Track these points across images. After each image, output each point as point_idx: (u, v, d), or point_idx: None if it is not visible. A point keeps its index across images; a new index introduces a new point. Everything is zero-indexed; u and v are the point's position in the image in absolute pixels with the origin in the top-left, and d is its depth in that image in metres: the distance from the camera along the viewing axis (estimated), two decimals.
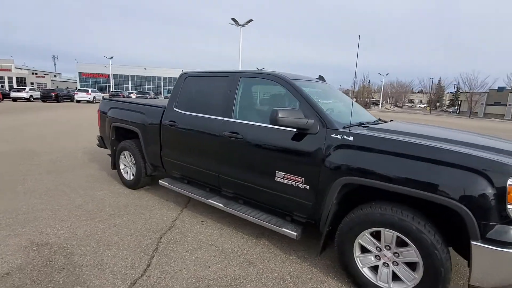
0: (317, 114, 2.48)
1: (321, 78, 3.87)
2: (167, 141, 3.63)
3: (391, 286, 2.15)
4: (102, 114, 4.71)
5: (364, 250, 2.27)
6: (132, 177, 4.32)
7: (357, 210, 2.24)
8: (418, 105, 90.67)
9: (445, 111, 66.85)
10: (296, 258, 2.74)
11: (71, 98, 30.58)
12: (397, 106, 74.33)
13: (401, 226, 2.01)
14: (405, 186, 1.99)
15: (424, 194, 1.92)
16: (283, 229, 2.63)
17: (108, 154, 4.99)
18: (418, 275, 2.02)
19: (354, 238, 2.25)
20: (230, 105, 3.06)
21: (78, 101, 29.12)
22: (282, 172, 2.59)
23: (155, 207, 3.76)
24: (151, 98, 28.37)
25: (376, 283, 2.20)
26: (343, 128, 2.43)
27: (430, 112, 57.69)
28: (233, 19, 20.16)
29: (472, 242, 1.79)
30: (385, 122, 3.24)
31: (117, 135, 4.51)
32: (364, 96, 66.17)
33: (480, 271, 1.81)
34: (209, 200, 3.20)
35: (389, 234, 2.10)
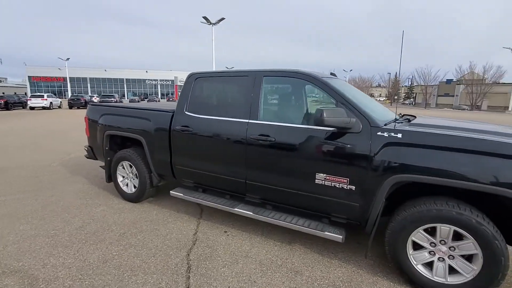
0: (358, 112, 2.40)
1: (333, 75, 3.82)
2: (180, 148, 3.33)
3: (448, 279, 2.15)
4: (92, 122, 4.21)
5: (417, 247, 2.25)
6: (134, 189, 3.92)
7: (409, 208, 2.21)
8: (378, 99, 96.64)
9: (402, 103, 71.96)
10: (338, 261, 2.66)
11: (23, 105, 27.58)
12: None
13: (460, 220, 2.01)
14: (463, 180, 1.99)
15: (485, 187, 1.93)
16: (327, 233, 2.52)
17: (101, 166, 4.51)
18: (476, 266, 2.04)
19: (407, 236, 2.22)
20: (255, 106, 2.87)
21: (32, 108, 26.34)
22: (324, 174, 2.48)
23: (168, 220, 3.45)
24: (116, 101, 26.69)
25: (432, 278, 2.19)
26: (384, 125, 2.39)
27: (391, 105, 61.66)
28: (205, 18, 19.57)
29: None
30: (412, 117, 3.24)
31: (111, 144, 4.07)
32: None
33: None
34: (235, 209, 2.99)
35: (445, 229, 2.10)
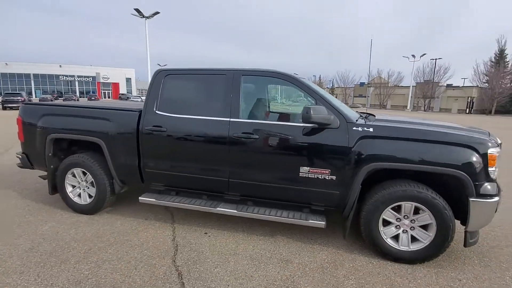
0: (336, 110, 2.68)
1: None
2: (151, 150, 3.10)
3: (411, 247, 2.60)
4: (27, 124, 3.53)
5: (385, 223, 2.65)
6: (89, 199, 3.46)
7: (379, 191, 2.59)
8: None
9: None
10: (319, 246, 2.91)
11: None
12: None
13: (419, 197, 2.47)
14: (422, 164, 2.44)
15: (439, 169, 2.41)
16: (310, 221, 2.74)
17: (41, 176, 3.84)
18: (432, 233, 2.53)
19: (379, 215, 2.60)
20: (235, 104, 2.89)
21: None
22: (307, 167, 2.69)
23: (137, 229, 3.17)
24: (24, 100, 22.37)
25: (399, 248, 2.62)
26: (356, 121, 2.72)
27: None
28: (137, 10, 17.85)
29: (470, 199, 2.40)
30: (372, 115, 3.65)
31: (55, 150, 3.50)
32: None
33: (475, 218, 2.45)
34: (217, 208, 2.97)
35: (408, 206, 2.54)
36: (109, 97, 57.54)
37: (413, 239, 2.62)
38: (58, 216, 3.44)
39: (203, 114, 2.99)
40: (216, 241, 2.94)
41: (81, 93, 52.78)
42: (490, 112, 40.75)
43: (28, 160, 3.66)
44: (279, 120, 2.89)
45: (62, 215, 3.48)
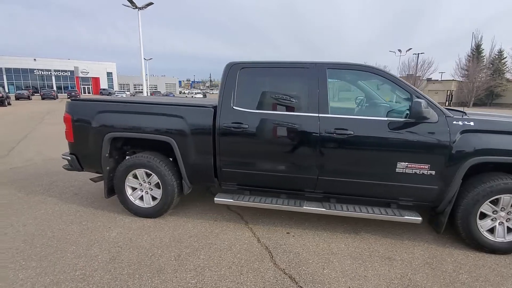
0: (433, 104, 2.63)
1: None
2: (229, 148, 2.91)
3: (506, 238, 2.63)
4: (79, 122, 3.21)
5: (482, 216, 2.66)
6: (152, 202, 3.22)
7: (478, 184, 2.58)
8: None
9: None
10: (409, 241, 2.87)
11: None
12: None
13: None
14: None
15: None
16: (406, 217, 2.70)
17: (91, 179, 3.54)
18: None
19: (478, 208, 2.59)
20: (323, 99, 2.76)
21: None
22: (405, 162, 2.63)
23: (214, 232, 3.00)
24: (1, 96, 20.79)
25: (495, 240, 2.64)
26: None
27: None
28: (130, 0, 16.80)
29: None
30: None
31: (111, 150, 3.22)
32: None
33: None
34: (304, 207, 2.86)
35: (507, 198, 2.55)
36: (89, 93, 54.91)
37: (509, 230, 2.65)
38: (119, 221, 3.19)
39: (285, 109, 2.85)
40: (305, 241, 2.84)
41: (58, 88, 49.85)
42: (468, 105, 42.89)
43: (78, 162, 3.35)
44: (370, 114, 2.80)
45: (123, 219, 3.23)
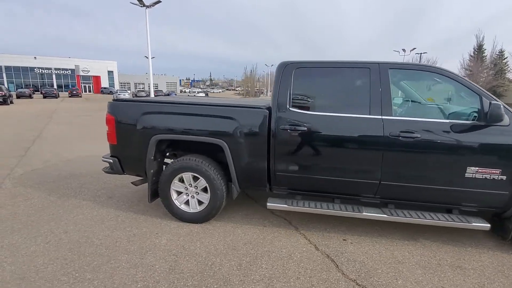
0: (505, 108, 2.51)
1: None
2: (285, 151, 2.79)
3: None
4: (123, 124, 3.07)
5: None
6: (199, 206, 3.09)
7: None
8: None
9: None
10: (473, 248, 2.76)
11: None
12: None
13: None
14: None
15: None
16: (474, 223, 2.59)
17: (133, 182, 3.41)
18: None
19: None
20: (386, 101, 2.64)
21: None
22: (476, 167, 2.51)
23: (266, 238, 2.87)
24: (4, 94, 20.50)
25: None
26: None
27: None
28: None
29: None
30: None
31: (156, 152, 3.09)
32: (247, 85, 70.59)
33: None
34: (364, 214, 2.74)
35: None
36: (90, 91, 54.51)
37: None
38: (164, 227, 3.05)
39: (345, 111, 2.73)
40: (365, 249, 2.72)
41: (59, 86, 49.39)
42: None
43: (120, 165, 3.21)
44: (435, 117, 2.68)
45: (168, 225, 3.10)
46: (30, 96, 31.13)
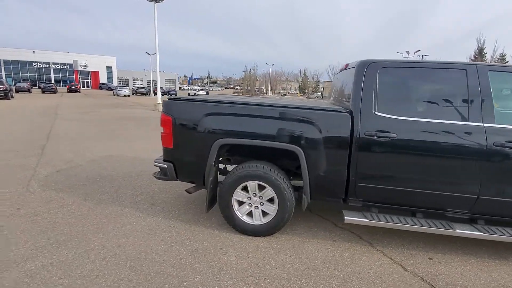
0: None
1: None
2: (369, 160, 2.51)
3: None
4: (182, 126, 2.76)
5: None
6: (262, 218, 2.80)
7: None
8: (290, 92, 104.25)
9: (309, 96, 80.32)
10: None
11: None
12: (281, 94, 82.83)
13: None
14: None
15: None
16: None
17: (187, 190, 3.10)
18: None
19: None
20: (488, 107, 2.37)
21: None
22: None
23: (343, 255, 2.59)
24: (5, 88, 19.89)
25: None
26: None
27: (308, 97, 67.88)
28: None
29: None
30: None
31: (217, 158, 2.78)
32: (247, 84, 70.17)
33: None
34: (457, 231, 2.47)
35: None
36: (88, 87, 53.66)
37: None
38: (225, 240, 2.75)
39: (439, 117, 2.45)
40: (458, 269, 2.45)
41: (57, 81, 48.47)
42: None
43: (174, 171, 2.90)
44: None
45: (229, 238, 2.80)
46: (29, 91, 30.43)
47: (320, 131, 2.54)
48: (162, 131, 2.83)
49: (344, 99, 3.10)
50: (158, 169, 3.04)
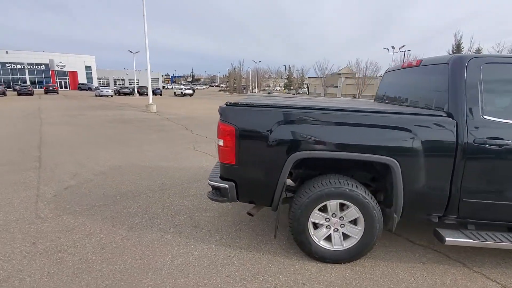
0: None
1: None
2: (480, 172, 2.14)
3: None
4: (249, 138, 2.28)
5: None
6: (342, 242, 2.38)
7: None
8: (275, 89, 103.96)
9: (297, 93, 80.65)
10: None
11: None
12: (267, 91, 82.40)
13: None
14: None
15: None
16: None
17: (249, 213, 2.63)
18: None
19: None
20: None
21: None
22: None
23: (445, 284, 2.22)
24: None
25: None
26: None
27: (295, 94, 68.00)
28: None
29: None
30: None
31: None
32: (233, 81, 69.31)
33: None
34: None
35: None
36: (66, 88, 50.90)
37: None
38: (302, 271, 2.31)
39: None
40: None
41: (32, 83, 45.52)
42: None
43: (235, 190, 2.42)
44: None
45: (305, 268, 2.36)
46: (4, 94, 28.31)
47: (420, 140, 2.14)
48: (221, 144, 2.34)
49: (418, 100, 2.74)
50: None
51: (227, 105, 2.37)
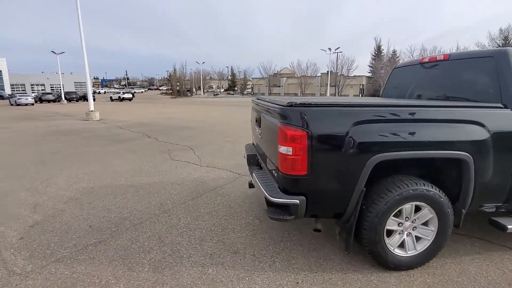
0: None
1: None
2: None
3: None
4: (323, 143, 1.94)
5: None
6: (414, 247, 2.24)
7: None
8: (218, 90, 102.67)
9: (242, 94, 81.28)
10: None
11: None
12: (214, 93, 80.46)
13: None
14: None
15: None
16: None
17: (316, 230, 2.28)
18: None
19: None
20: None
21: None
22: None
23: None
24: None
25: None
26: None
27: (242, 96, 68.11)
28: None
29: None
30: None
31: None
32: (175, 83, 66.23)
33: None
34: None
35: None
36: None
37: None
38: (383, 285, 2.09)
39: None
40: None
41: None
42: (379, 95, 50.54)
43: (306, 206, 2.05)
44: None
45: (383, 281, 2.14)
46: None
47: (489, 132, 2.12)
48: (289, 153, 1.95)
49: (458, 95, 2.76)
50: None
51: (290, 105, 2.00)
